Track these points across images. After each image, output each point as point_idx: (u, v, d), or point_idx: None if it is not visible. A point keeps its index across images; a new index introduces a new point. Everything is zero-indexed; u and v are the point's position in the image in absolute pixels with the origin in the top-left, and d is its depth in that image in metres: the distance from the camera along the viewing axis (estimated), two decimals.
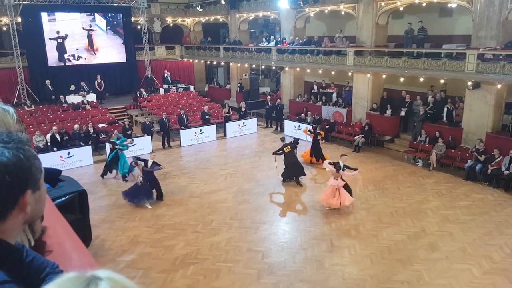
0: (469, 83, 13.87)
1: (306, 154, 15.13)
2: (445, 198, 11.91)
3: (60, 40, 22.69)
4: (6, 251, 0.96)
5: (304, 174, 13.26)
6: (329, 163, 11.21)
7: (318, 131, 15.12)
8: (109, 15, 24.12)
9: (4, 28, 22.06)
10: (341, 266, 8.44)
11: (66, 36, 22.88)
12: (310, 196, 12.20)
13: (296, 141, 13.49)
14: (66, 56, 23.04)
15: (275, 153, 13.10)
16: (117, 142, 13.66)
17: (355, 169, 11.26)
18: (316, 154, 14.92)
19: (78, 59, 23.43)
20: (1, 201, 0.92)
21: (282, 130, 19.60)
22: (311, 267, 8.41)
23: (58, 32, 22.63)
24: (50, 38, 22.46)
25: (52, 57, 22.73)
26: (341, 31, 19.65)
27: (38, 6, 21.49)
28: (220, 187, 12.96)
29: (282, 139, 13.55)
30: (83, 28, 23.23)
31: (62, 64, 22.98)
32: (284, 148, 12.83)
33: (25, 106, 19.91)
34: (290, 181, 13.15)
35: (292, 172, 12.99)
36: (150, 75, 24.93)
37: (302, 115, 19.51)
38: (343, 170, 10.84)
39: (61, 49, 22.88)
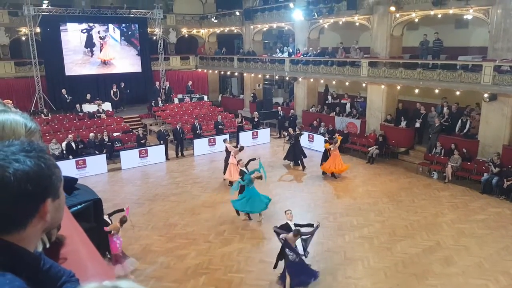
0: (486, 95, 13.68)
1: (329, 165, 14.57)
2: (461, 211, 11.68)
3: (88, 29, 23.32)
4: (26, 258, 0.97)
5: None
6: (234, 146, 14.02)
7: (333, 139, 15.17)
8: (123, 25, 24.52)
9: (24, 38, 22.62)
10: (354, 279, 8.31)
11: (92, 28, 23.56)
12: (323, 208, 12.10)
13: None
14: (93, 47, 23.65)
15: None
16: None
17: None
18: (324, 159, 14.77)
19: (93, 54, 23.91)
20: (22, 209, 0.93)
21: None
22: (324, 279, 8.30)
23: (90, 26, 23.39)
24: (81, 30, 23.07)
25: (74, 52, 23.17)
26: (357, 42, 19.61)
27: (57, 17, 22.00)
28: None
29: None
30: (97, 33, 23.59)
31: (87, 50, 23.44)
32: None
33: (42, 115, 20.30)
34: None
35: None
36: (158, 86, 24.92)
37: (315, 122, 19.44)
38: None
39: (89, 38, 23.43)
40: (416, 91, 16.74)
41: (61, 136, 17.13)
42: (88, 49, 23.47)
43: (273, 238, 10.05)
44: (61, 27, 22.54)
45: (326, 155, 14.67)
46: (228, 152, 13.97)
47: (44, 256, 1.11)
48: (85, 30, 23.20)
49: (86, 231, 1.85)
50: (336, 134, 15.70)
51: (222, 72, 27.58)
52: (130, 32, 24.86)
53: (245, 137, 19.20)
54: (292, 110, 20.95)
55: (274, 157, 17.55)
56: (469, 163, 14.11)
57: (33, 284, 0.94)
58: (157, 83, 24.84)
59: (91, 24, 23.28)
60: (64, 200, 1.07)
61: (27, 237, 0.96)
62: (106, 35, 23.87)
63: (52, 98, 22.52)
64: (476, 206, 12.05)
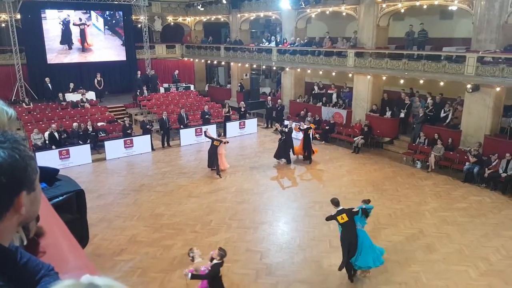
0: (468, 86, 13.87)
1: (299, 149, 15.49)
2: (443, 200, 11.92)
3: (66, 21, 22.71)
4: (0, 254, 0.95)
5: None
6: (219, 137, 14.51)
7: (308, 127, 15.53)
8: (107, 13, 23.97)
9: (3, 25, 21.97)
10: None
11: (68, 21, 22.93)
12: (309, 197, 12.19)
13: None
14: (73, 39, 23.04)
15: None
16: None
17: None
18: (306, 148, 15.34)
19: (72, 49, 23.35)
20: None
21: None
22: (309, 267, 8.42)
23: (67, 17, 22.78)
24: (59, 23, 22.47)
25: (54, 42, 22.59)
26: (356, 33, 18.96)
27: (38, 3, 21.44)
28: (219, 187, 12.96)
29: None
30: (73, 24, 22.96)
31: (66, 46, 22.92)
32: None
33: (24, 104, 19.88)
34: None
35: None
36: (140, 76, 24.01)
37: (302, 112, 19.49)
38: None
39: (67, 32, 22.83)
40: (401, 81, 16.88)
41: (43, 126, 16.82)
42: (66, 46, 22.93)
43: (260, 228, 10.15)
44: (41, 15, 21.99)
45: (307, 142, 15.27)
46: (213, 143, 13.91)
47: (21, 250, 1.09)
48: (61, 23, 22.56)
49: (68, 223, 1.83)
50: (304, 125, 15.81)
51: (209, 61, 27.34)
52: (114, 21, 24.34)
53: (232, 127, 19.15)
54: (279, 100, 20.93)
55: (261, 147, 17.58)
56: (451, 153, 14.36)
57: (9, 279, 0.93)
58: (139, 72, 24.19)
59: (67, 12, 22.59)
60: (40, 192, 1.05)
61: (1, 231, 0.94)
62: (84, 23, 23.26)
63: (33, 87, 22.05)
64: (458, 194, 12.30)
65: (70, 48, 23.11)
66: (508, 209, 11.30)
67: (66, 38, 22.89)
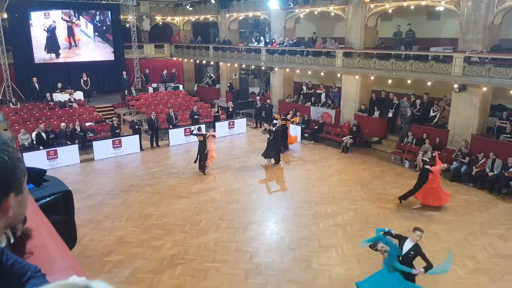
0: (455, 86, 14.06)
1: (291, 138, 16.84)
2: None
3: (51, 27, 22.38)
4: None
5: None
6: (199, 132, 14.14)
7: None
8: (97, 19, 23.73)
9: None
10: (328, 266, 8.48)
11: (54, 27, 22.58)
12: (299, 196, 12.23)
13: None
14: (61, 46, 22.78)
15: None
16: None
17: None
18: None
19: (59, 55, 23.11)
20: None
21: None
22: (298, 267, 8.44)
23: (53, 23, 22.49)
24: (44, 29, 22.14)
25: (41, 50, 22.29)
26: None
27: (24, 2, 21.13)
28: (208, 187, 12.93)
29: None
30: (62, 18, 22.64)
31: (54, 55, 22.66)
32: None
33: (11, 104, 19.59)
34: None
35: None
36: (124, 76, 23.89)
37: (291, 112, 19.53)
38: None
39: (53, 39, 22.51)
40: (389, 81, 17.04)
41: (30, 126, 16.61)
42: (54, 55, 22.69)
43: (249, 228, 10.15)
44: (28, 16, 21.69)
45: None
46: (203, 141, 13.84)
47: (8, 251, 1.08)
48: (46, 29, 22.21)
49: (56, 224, 1.82)
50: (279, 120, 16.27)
51: (198, 61, 27.26)
52: (104, 27, 24.06)
53: (221, 127, 19.11)
54: (268, 100, 20.97)
55: (251, 147, 17.59)
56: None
57: None
58: (124, 73, 23.85)
59: (53, 18, 22.27)
60: (28, 195, 1.04)
61: None
62: (72, 20, 23.00)
63: (21, 87, 21.74)
64: None
65: (57, 56, 22.87)
66: (495, 207, 11.48)
67: (52, 46, 22.57)
